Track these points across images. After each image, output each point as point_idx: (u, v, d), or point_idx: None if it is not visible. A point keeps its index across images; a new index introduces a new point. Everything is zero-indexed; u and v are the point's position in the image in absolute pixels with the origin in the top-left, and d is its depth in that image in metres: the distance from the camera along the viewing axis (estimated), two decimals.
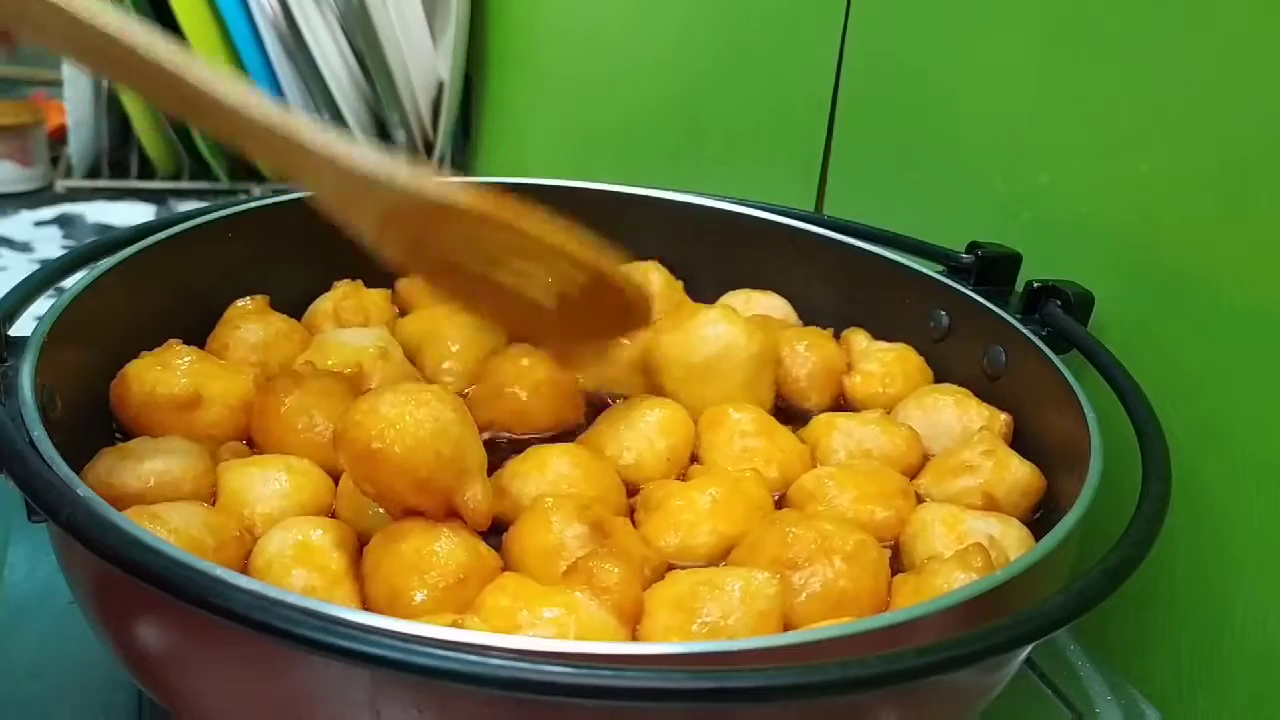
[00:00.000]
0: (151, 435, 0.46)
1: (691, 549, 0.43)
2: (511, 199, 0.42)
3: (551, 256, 0.44)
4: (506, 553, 0.41)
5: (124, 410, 0.47)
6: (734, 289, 0.64)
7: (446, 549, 0.38)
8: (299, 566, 0.38)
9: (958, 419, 0.52)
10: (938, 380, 0.56)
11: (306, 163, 0.39)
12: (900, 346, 0.57)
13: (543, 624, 0.35)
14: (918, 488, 0.48)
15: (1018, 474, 0.47)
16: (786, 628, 0.38)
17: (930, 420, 0.52)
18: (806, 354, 0.56)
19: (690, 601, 0.37)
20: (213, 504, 0.43)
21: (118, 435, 0.47)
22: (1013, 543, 0.43)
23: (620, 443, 0.48)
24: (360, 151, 0.39)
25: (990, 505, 0.46)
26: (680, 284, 0.62)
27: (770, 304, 0.63)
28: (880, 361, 0.56)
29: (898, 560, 0.45)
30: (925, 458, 0.51)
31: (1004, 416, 0.51)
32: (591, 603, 0.36)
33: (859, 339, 0.59)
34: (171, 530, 0.38)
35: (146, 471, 0.42)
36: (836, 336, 0.59)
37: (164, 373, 0.47)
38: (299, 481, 0.44)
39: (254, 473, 0.43)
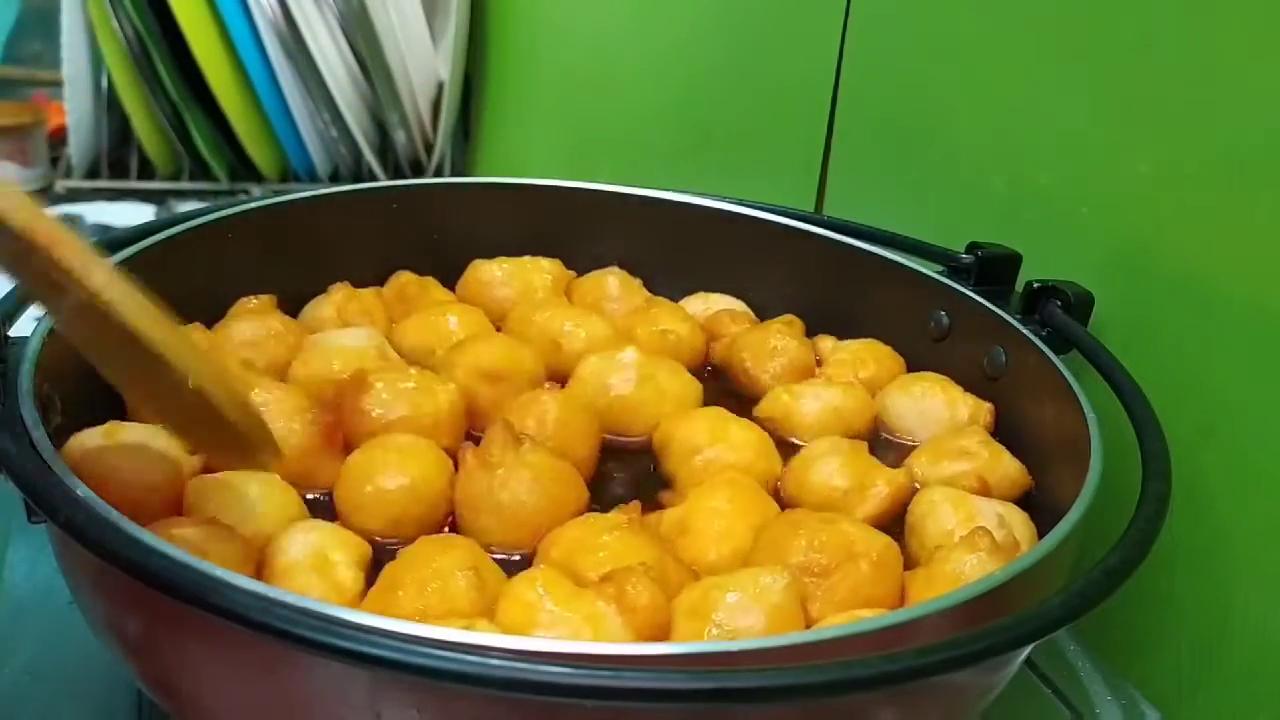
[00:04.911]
0: (138, 411, 0.47)
1: (739, 551, 0.43)
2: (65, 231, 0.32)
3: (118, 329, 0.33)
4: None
5: None
6: (732, 289, 0.64)
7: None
8: (315, 575, 0.38)
9: (945, 406, 0.53)
10: None
11: None
12: (867, 340, 0.59)
13: (561, 625, 0.35)
14: (911, 468, 0.49)
15: (1009, 468, 0.48)
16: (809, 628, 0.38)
17: (920, 408, 0.53)
18: (782, 346, 0.57)
19: (703, 606, 0.37)
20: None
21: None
22: (1017, 524, 0.44)
23: None
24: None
25: (983, 491, 0.46)
26: (638, 282, 0.63)
27: (728, 303, 0.64)
28: (850, 351, 0.58)
29: (901, 539, 0.45)
30: (874, 423, 0.54)
31: (987, 405, 0.52)
32: (616, 619, 0.35)
33: (825, 342, 0.60)
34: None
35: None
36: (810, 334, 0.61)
37: None
38: (275, 494, 0.43)
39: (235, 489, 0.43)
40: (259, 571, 0.39)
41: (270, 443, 0.40)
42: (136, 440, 0.43)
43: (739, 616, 0.36)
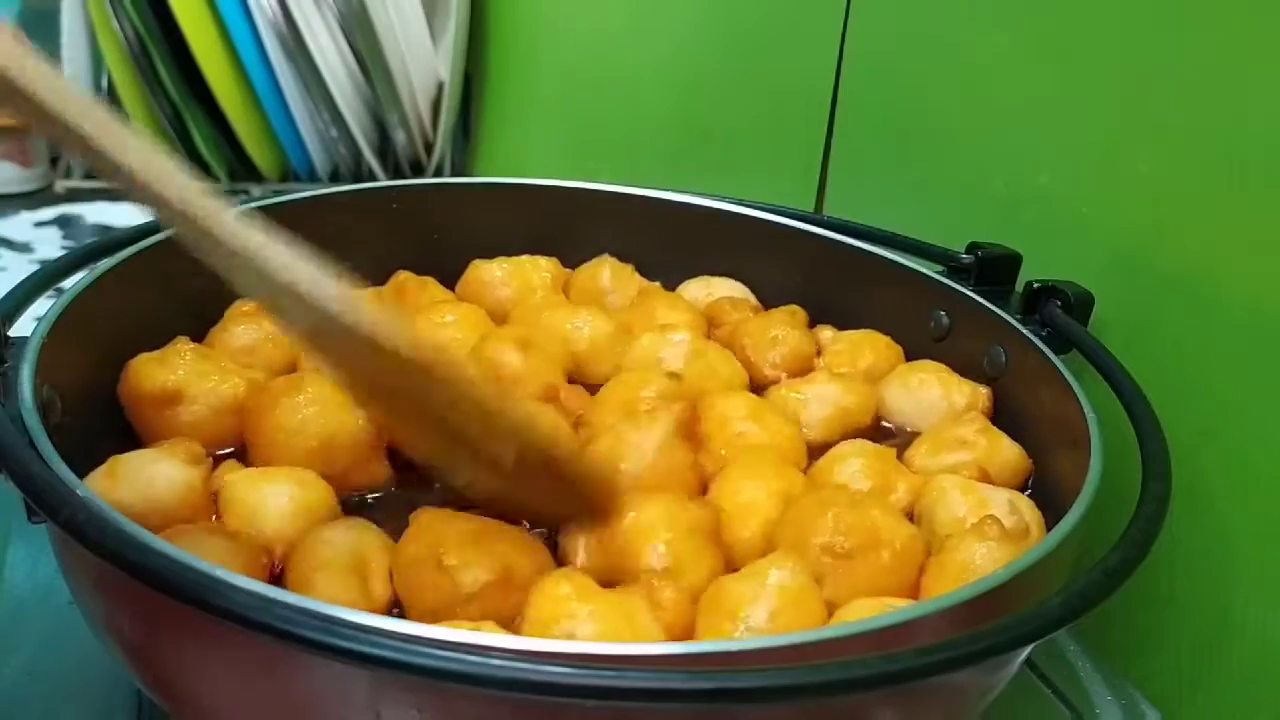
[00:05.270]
0: (143, 430, 0.47)
1: (769, 522, 0.43)
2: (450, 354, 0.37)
3: (501, 430, 0.38)
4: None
5: (124, 402, 0.47)
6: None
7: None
8: (352, 577, 0.38)
9: (942, 396, 0.53)
10: None
11: (225, 254, 0.33)
12: (866, 330, 0.59)
13: (593, 621, 0.35)
14: (912, 461, 0.49)
15: (1008, 454, 0.48)
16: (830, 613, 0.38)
17: (916, 398, 0.53)
18: (783, 336, 0.57)
19: (723, 600, 0.37)
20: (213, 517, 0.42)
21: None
22: (1026, 510, 0.44)
23: None
24: (285, 257, 0.35)
25: (984, 479, 0.46)
26: (630, 268, 0.63)
27: (730, 287, 0.64)
28: (848, 341, 0.58)
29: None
30: (877, 421, 0.54)
31: (984, 390, 0.52)
32: (648, 615, 0.36)
33: (825, 332, 0.60)
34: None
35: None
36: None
37: (156, 368, 0.47)
38: (307, 494, 0.42)
39: (264, 487, 0.42)
40: (281, 570, 0.39)
41: (613, 488, 0.40)
42: (137, 470, 0.42)
43: (754, 608, 0.37)
